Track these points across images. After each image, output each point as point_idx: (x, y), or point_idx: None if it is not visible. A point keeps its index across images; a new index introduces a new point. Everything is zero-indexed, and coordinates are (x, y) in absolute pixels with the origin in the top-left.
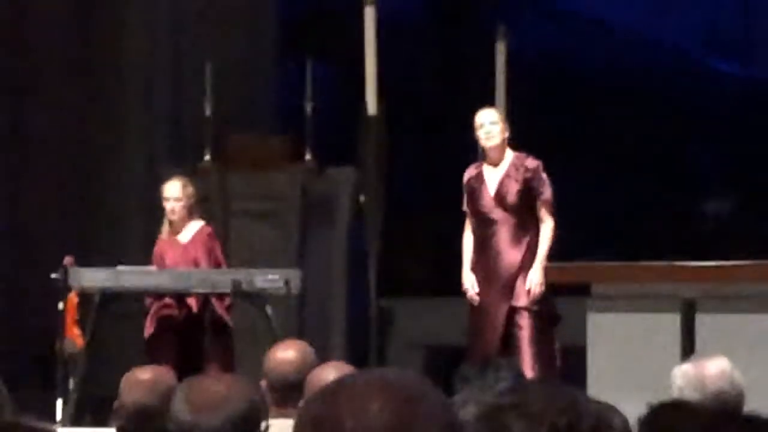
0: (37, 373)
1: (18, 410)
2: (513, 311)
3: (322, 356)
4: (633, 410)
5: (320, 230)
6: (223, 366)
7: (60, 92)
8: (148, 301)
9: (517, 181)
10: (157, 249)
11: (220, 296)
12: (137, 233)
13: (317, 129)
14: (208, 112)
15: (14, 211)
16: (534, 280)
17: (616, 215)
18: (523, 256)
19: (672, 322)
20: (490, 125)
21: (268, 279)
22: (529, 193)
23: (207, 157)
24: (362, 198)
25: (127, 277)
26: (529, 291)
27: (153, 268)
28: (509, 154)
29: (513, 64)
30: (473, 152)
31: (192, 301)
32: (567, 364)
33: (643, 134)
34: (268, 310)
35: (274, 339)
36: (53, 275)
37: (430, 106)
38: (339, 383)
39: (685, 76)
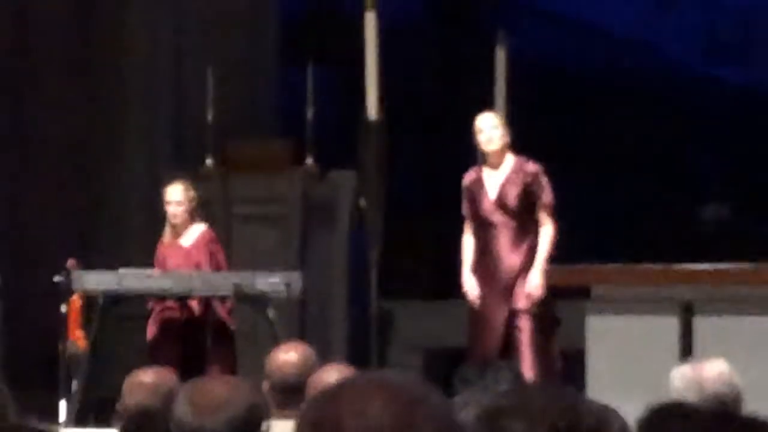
0: (41, 374)
1: (21, 412)
2: (513, 314)
3: (323, 358)
4: (632, 412)
5: (321, 233)
6: (225, 368)
7: (60, 92)
8: (150, 303)
9: (517, 185)
10: (158, 252)
11: (222, 299)
12: (138, 234)
13: (318, 133)
14: (209, 116)
15: (14, 211)
16: (534, 283)
17: (616, 217)
18: (523, 260)
19: (671, 324)
20: (490, 130)
21: (270, 282)
22: (529, 198)
23: (209, 161)
24: (363, 202)
25: (130, 279)
26: (529, 294)
27: (155, 270)
28: (509, 159)
29: (513, 66)
30: (473, 154)
31: (194, 304)
32: (566, 366)
33: (641, 137)
34: (270, 312)
35: (276, 341)
36: (56, 278)
37: (430, 107)
38: (340, 385)
39: (684, 79)
